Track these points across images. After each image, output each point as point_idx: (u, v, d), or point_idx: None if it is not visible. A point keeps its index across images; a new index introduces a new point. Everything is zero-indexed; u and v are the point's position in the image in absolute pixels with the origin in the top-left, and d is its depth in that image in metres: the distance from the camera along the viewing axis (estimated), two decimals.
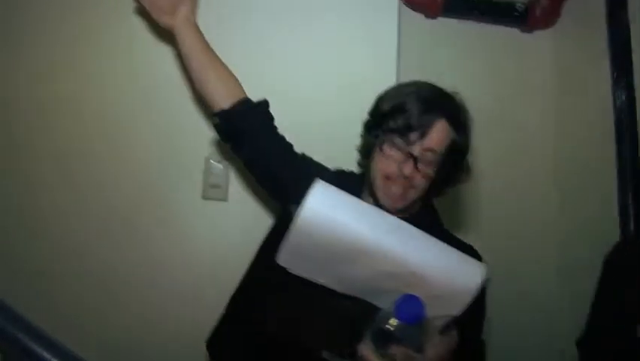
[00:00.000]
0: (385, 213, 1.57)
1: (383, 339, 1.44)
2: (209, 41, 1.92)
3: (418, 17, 2.49)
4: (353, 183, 1.68)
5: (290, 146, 1.90)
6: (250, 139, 1.86)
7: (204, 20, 1.97)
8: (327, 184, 1.51)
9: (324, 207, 1.48)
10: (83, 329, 2.12)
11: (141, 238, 2.18)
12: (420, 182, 1.67)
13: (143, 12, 2.06)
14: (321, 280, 1.55)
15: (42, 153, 2.14)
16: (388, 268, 1.47)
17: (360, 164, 1.86)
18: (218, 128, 1.90)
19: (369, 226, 1.48)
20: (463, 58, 2.55)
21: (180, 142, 2.17)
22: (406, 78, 1.83)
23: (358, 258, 1.48)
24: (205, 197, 2.18)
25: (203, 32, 1.93)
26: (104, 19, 2.16)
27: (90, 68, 2.16)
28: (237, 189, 2.19)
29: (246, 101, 1.88)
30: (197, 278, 2.19)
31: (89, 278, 2.15)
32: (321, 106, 2.21)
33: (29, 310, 1.74)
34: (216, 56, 1.92)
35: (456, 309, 1.49)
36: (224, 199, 2.18)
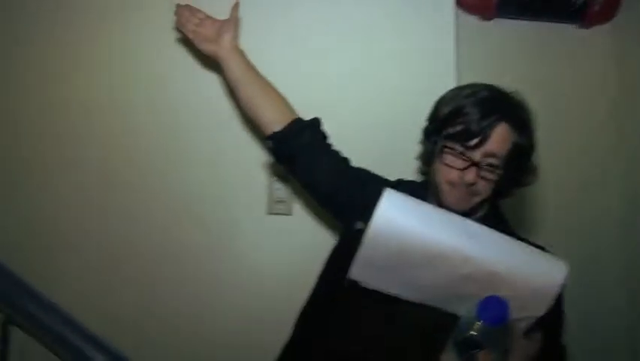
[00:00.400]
0: (458, 216, 1.52)
1: (466, 347, 1.39)
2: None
3: (473, 20, 2.48)
4: (416, 191, 1.64)
5: (346, 161, 1.90)
6: (304, 160, 1.87)
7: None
8: (396, 192, 1.47)
9: (396, 214, 1.44)
10: (145, 341, 2.16)
11: (206, 252, 2.19)
12: (484, 188, 1.64)
13: (186, 41, 2.10)
14: (397, 290, 1.50)
15: (94, 169, 2.19)
16: (467, 271, 1.42)
17: (421, 171, 1.84)
18: (272, 151, 1.92)
19: (444, 230, 1.45)
20: (520, 58, 2.52)
21: (245, 157, 2.19)
22: (464, 81, 1.80)
23: (435, 263, 1.43)
24: (270, 212, 2.19)
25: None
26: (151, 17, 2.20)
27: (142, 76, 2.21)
28: (302, 204, 2.20)
29: (298, 122, 1.89)
30: (262, 292, 2.19)
31: (153, 292, 2.18)
32: (378, 113, 2.20)
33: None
34: (263, 79, 1.95)
35: (539, 309, 1.44)
36: (289, 213, 2.19)
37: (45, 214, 2.17)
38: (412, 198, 1.50)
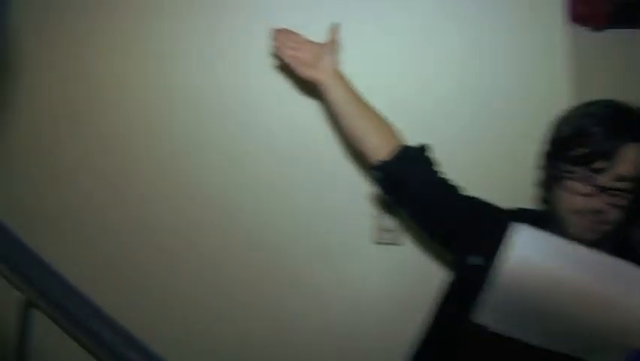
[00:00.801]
0: (599, 253, 1.37)
1: None
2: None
3: (584, 32, 2.35)
4: (538, 221, 1.51)
5: (458, 189, 1.80)
6: (412, 189, 1.78)
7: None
8: (528, 227, 1.34)
9: (530, 252, 1.31)
10: None
11: (310, 283, 2.15)
12: (613, 215, 1.51)
13: (284, 67, 2.05)
14: (528, 337, 1.37)
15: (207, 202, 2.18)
16: (611, 317, 1.28)
17: (541, 199, 1.71)
18: (378, 181, 1.84)
19: (584, 269, 1.31)
20: (636, 69, 2.38)
21: (349, 184, 2.13)
22: (581, 99, 1.70)
23: (574, 308, 1.30)
24: (377, 241, 2.12)
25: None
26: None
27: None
28: (410, 233, 2.12)
29: (405, 150, 1.81)
30: (371, 325, 2.13)
31: (260, 324, 2.16)
32: (489, 137, 2.11)
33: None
34: (366, 104, 1.87)
35: None
36: (397, 243, 2.11)
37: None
38: (546, 232, 1.37)
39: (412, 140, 1.85)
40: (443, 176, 1.80)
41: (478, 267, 1.41)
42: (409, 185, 1.77)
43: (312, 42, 1.95)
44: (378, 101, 1.88)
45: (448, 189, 1.79)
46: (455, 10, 2.13)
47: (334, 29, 1.95)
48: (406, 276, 2.11)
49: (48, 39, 2.21)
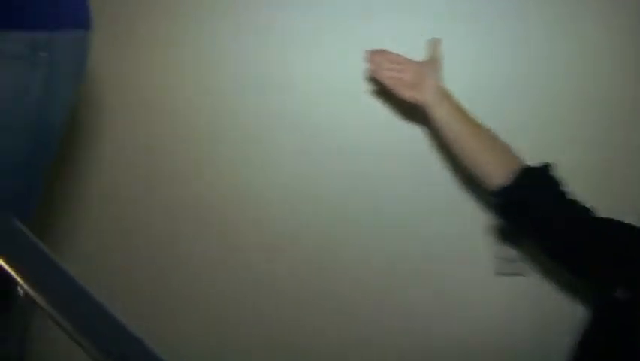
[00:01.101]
0: None
1: None
2: None
3: None
4: None
5: (591, 212, 1.64)
6: (540, 215, 1.65)
7: None
8: None
9: None
10: None
11: (420, 314, 2.06)
12: None
13: (385, 91, 1.93)
14: None
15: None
16: None
17: None
18: (498, 207, 1.72)
19: None
20: None
21: (465, 208, 2.01)
22: None
23: None
24: (498, 272, 1.99)
25: None
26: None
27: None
28: (535, 263, 1.98)
29: (527, 171, 1.68)
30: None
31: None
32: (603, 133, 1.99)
33: None
34: (478, 124, 1.75)
35: None
36: (521, 274, 1.98)
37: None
38: None
39: None
40: (572, 197, 1.66)
41: (628, 302, 1.26)
42: (534, 210, 1.65)
43: (411, 61, 1.83)
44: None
45: (580, 213, 1.64)
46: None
47: (435, 44, 1.82)
48: (532, 311, 1.99)
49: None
